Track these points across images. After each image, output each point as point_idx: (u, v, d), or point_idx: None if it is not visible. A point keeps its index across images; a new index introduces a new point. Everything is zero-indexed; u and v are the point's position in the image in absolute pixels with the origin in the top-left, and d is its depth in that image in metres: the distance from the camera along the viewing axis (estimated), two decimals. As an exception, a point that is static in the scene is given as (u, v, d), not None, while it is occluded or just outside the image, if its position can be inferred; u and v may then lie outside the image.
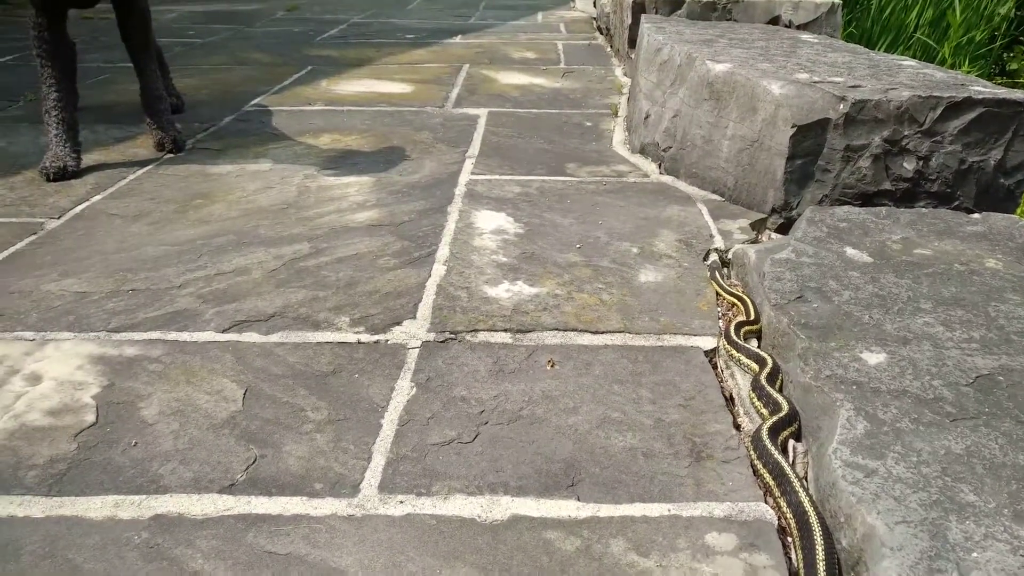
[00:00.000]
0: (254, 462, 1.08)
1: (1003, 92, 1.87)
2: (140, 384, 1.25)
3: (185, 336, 1.39)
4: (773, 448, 1.06)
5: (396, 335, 1.40)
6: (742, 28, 2.95)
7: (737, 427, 1.19)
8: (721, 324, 1.46)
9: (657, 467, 1.07)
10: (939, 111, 1.83)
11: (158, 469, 1.06)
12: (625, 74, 3.59)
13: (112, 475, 1.05)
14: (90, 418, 1.16)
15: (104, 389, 1.23)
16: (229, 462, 1.08)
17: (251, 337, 1.39)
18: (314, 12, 5.86)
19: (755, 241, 1.85)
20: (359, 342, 1.38)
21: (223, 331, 1.41)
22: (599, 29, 4.84)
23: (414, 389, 1.25)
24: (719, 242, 1.81)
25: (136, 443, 1.11)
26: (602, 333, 1.42)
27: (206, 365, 1.31)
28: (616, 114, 2.93)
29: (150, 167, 2.28)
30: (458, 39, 4.65)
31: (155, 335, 1.39)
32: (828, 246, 1.58)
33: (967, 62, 3.63)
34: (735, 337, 1.36)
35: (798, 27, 3.27)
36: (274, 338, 1.39)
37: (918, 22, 3.66)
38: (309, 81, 3.47)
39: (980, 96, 1.83)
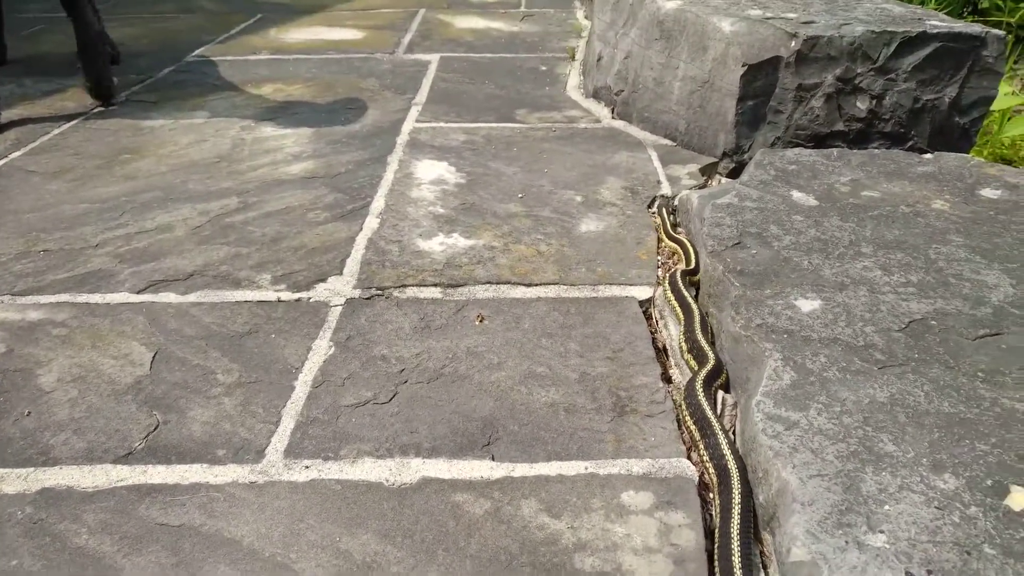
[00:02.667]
0: (155, 429, 1.02)
1: (959, 26, 1.80)
2: (41, 350, 1.18)
3: (96, 298, 1.32)
4: (702, 401, 1.02)
5: (319, 292, 1.34)
6: (703, -35, 2.84)
7: (667, 379, 1.14)
8: (660, 272, 1.41)
9: (578, 423, 1.03)
10: (893, 47, 1.76)
11: (50, 440, 1.00)
12: (586, 16, 3.46)
13: (0, 447, 0.99)
14: (-18, 387, 1.10)
15: (0, 356, 1.16)
16: (128, 430, 1.02)
17: (167, 297, 1.33)
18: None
19: (703, 186, 1.79)
20: (279, 300, 1.31)
21: (138, 292, 1.34)
22: (563, -30, 4.67)
23: (332, 348, 1.19)
24: (666, 188, 1.74)
25: (29, 412, 1.05)
26: (536, 285, 1.36)
27: (115, 328, 1.24)
28: (573, 57, 2.82)
29: (77, 121, 2.17)
30: (417, -17, 4.46)
31: (64, 297, 1.32)
32: (774, 189, 1.53)
33: (934, 0, 3.53)
34: (679, 283, 1.30)
35: (762, -36, 3.16)
36: (191, 298, 1.32)
37: (886, -43, 3.54)
38: (257, 30, 3.32)
39: (935, 31, 1.76)
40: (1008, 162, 3.04)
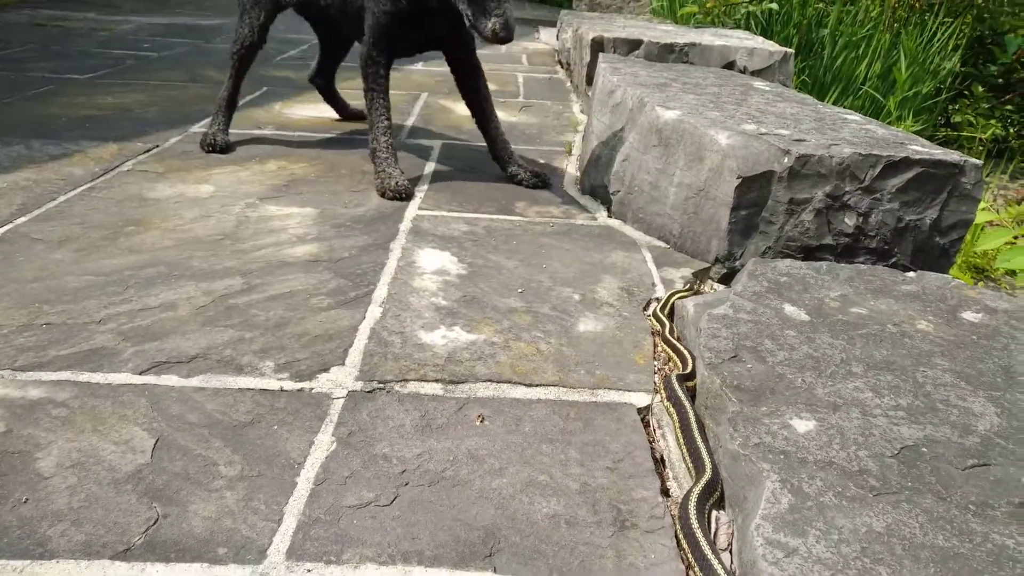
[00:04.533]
0: (155, 523, 1.02)
1: (940, 153, 1.90)
2: (41, 431, 1.17)
3: (98, 377, 1.32)
4: (696, 522, 1.04)
5: (322, 383, 1.35)
6: (697, 72, 2.99)
7: (665, 492, 1.16)
8: (657, 379, 1.45)
9: (579, 537, 1.04)
10: (878, 169, 1.86)
11: (47, 531, 0.99)
12: (582, 111, 3.60)
13: (-4, 536, 0.98)
14: (-20, 470, 1.09)
15: (0, 436, 1.15)
16: (127, 523, 1.01)
17: (170, 380, 1.33)
18: (278, 30, 5.79)
19: (697, 292, 1.85)
20: (282, 389, 1.32)
21: (140, 373, 1.34)
22: (560, 63, 4.88)
23: (334, 444, 1.20)
24: (660, 291, 1.80)
25: (27, 500, 1.04)
26: (536, 386, 1.39)
27: (117, 411, 1.24)
28: (570, 152, 2.93)
29: (83, 188, 2.20)
30: (419, 66, 4.63)
31: (65, 375, 1.32)
32: (767, 302, 1.58)
33: (911, 115, 3.74)
34: (676, 387, 1.33)
35: (752, 73, 3.33)
36: (194, 382, 1.33)
37: (866, 74, 3.76)
38: (263, 103, 3.41)
39: (918, 156, 1.87)
40: (981, 271, 3.17)
